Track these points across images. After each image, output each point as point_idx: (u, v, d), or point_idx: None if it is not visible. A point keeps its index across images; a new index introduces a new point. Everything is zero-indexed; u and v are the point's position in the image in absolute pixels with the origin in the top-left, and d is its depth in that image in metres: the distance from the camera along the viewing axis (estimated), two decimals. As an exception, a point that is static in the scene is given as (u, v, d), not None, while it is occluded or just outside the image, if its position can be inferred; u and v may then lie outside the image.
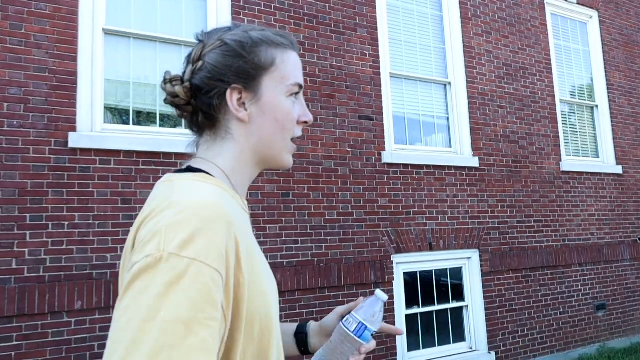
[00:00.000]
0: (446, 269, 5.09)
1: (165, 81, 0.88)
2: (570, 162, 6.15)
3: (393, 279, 4.61)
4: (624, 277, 6.36)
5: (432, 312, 4.92)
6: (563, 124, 6.34)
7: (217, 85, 0.85)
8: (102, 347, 3.31)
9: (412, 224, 4.82)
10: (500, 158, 5.54)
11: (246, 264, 0.73)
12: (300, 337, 1.11)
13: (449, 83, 5.42)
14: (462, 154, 5.33)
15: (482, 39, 5.65)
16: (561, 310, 5.69)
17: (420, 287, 4.90)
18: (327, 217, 4.35)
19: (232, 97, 0.86)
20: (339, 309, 1.09)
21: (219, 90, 0.85)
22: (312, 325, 1.12)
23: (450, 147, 5.36)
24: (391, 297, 4.58)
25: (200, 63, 0.86)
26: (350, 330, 0.97)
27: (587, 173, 6.27)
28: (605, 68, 6.79)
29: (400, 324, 4.63)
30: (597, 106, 6.70)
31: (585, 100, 6.66)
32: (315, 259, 4.23)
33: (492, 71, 5.66)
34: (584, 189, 6.20)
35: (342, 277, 4.29)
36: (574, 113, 6.55)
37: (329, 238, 4.33)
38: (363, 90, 4.74)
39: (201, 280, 0.63)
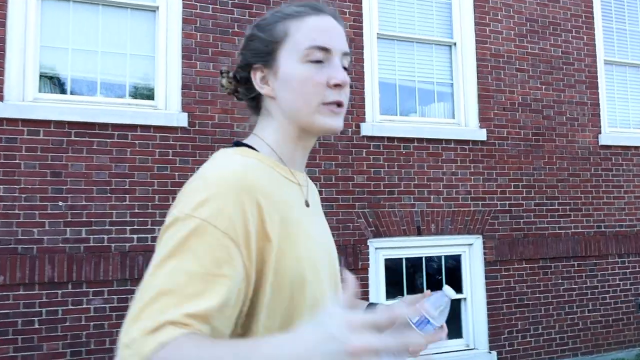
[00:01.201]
0: (440, 257, 4.49)
1: (219, 73, 1.00)
2: (613, 135, 5.18)
3: (368, 266, 4.12)
4: (681, 272, 5.31)
5: (421, 303, 4.37)
6: (608, 89, 5.33)
7: (245, 70, 0.94)
8: (26, 323, 3.22)
9: (397, 205, 4.26)
10: (516, 130, 4.76)
11: (274, 230, 0.78)
12: None
13: (454, 44, 4.70)
14: (467, 126, 4.63)
15: (500, -10, 4.83)
16: (590, 307, 4.86)
17: (407, 275, 4.36)
18: (289, 195, 3.94)
19: (255, 77, 0.92)
20: (407, 298, 1.10)
21: (246, 74, 0.94)
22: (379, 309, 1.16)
23: (454, 117, 4.68)
24: (365, 285, 4.10)
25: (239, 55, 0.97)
26: (412, 322, 0.97)
27: (636, 147, 5.25)
28: (671, 21, 5.61)
29: (379, 315, 4.15)
30: (657, 68, 5.57)
31: (641, 60, 5.56)
32: (274, 241, 3.85)
33: (510, 28, 4.84)
34: (631, 167, 5.21)
35: (304, 261, 3.88)
36: (625, 76, 5.49)
37: (290, 218, 3.92)
38: (341, 53, 4.21)
39: (208, 239, 0.71)
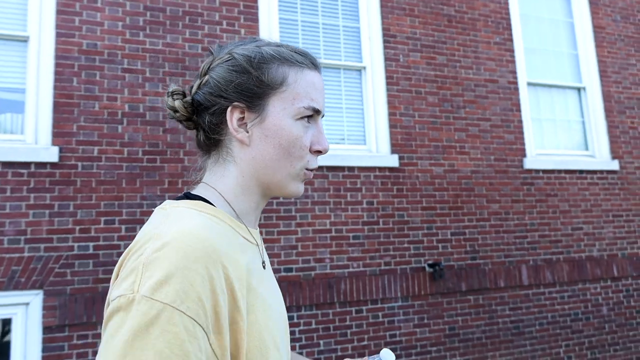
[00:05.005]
0: (-24, 323, 3.27)
1: (167, 94, 0.81)
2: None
3: None
4: (390, 325, 4.12)
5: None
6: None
7: (217, 101, 0.78)
8: None
9: None
10: (116, 148, 3.63)
11: (243, 305, 0.66)
12: None
13: (28, 37, 3.62)
14: (38, 144, 3.49)
15: (108, -28, 3.79)
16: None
17: None
18: None
19: (232, 116, 0.78)
20: None
21: (219, 107, 0.78)
22: None
23: (23, 134, 3.55)
24: None
25: (205, 78, 0.80)
26: None
27: (330, 167, 4.15)
28: (382, 12, 4.62)
29: None
30: (365, 71, 4.52)
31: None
32: None
33: (118, 19, 3.77)
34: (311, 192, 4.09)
35: None
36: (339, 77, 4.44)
37: None
38: None
39: (172, 329, 0.57)
